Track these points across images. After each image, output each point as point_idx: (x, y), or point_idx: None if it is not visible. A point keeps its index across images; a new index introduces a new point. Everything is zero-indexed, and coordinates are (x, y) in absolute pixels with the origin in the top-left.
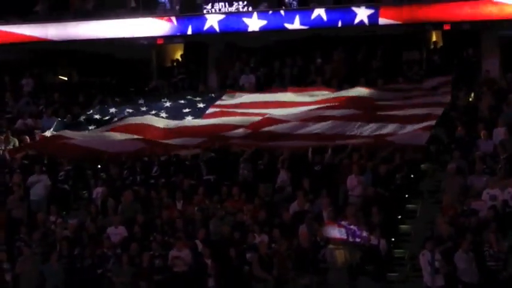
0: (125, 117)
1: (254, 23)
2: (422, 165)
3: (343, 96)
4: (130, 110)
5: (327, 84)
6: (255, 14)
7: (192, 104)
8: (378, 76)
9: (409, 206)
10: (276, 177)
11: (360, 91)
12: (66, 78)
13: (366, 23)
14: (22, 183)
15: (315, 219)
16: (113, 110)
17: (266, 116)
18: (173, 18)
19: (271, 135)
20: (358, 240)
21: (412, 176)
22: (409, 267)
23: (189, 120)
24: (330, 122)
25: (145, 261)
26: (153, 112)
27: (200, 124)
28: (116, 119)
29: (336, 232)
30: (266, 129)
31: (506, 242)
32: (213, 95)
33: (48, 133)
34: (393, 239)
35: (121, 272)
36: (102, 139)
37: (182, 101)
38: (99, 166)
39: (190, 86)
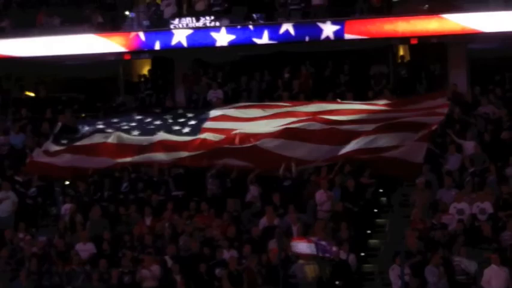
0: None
1: (222, 38)
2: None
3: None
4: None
5: (295, 99)
6: (223, 29)
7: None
8: (346, 90)
9: (378, 220)
10: (244, 192)
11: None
12: (33, 94)
13: (332, 38)
14: None
15: (284, 235)
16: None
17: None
18: (140, 34)
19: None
20: (327, 255)
21: (380, 190)
22: (379, 281)
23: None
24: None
25: (114, 277)
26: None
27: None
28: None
29: (305, 247)
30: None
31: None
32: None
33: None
34: (362, 254)
35: None
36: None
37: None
38: (67, 182)
39: (157, 101)
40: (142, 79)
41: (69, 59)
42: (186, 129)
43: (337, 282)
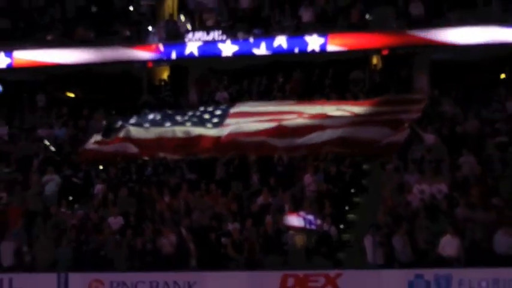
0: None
1: (227, 49)
2: (364, 166)
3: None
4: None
5: (287, 99)
6: (228, 41)
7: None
8: (330, 92)
9: (355, 199)
10: (245, 176)
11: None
12: (72, 95)
13: (317, 50)
14: (39, 181)
15: (278, 210)
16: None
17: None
18: (160, 45)
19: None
20: (313, 227)
21: (357, 174)
22: (355, 249)
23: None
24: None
25: (138, 244)
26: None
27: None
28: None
29: (295, 221)
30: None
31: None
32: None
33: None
34: (342, 226)
35: (119, 254)
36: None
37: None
38: (100, 167)
39: (174, 101)
40: (162, 83)
41: (102, 66)
42: (215, 120)
43: (321, 249)
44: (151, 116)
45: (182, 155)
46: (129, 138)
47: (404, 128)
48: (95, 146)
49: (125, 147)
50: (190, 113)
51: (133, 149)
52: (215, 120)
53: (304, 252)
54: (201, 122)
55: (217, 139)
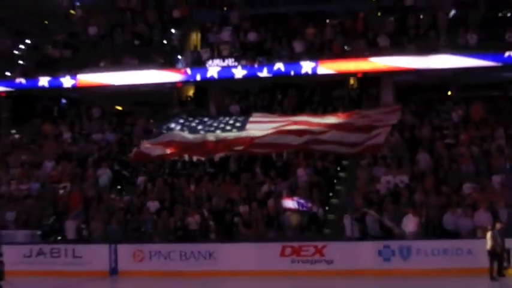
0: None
1: (239, 73)
2: (344, 162)
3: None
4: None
5: (285, 112)
6: (239, 67)
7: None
8: (317, 106)
9: (337, 187)
10: (252, 169)
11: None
12: (120, 108)
13: (310, 73)
14: (94, 174)
15: (277, 196)
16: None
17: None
18: (187, 70)
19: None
20: (305, 209)
21: (338, 168)
22: (337, 226)
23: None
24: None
25: (171, 223)
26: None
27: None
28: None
29: (290, 204)
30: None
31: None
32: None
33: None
34: (327, 208)
35: (156, 231)
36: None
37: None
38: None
39: (198, 112)
40: (188, 98)
41: (142, 85)
42: (238, 124)
43: (311, 226)
44: (187, 123)
45: (212, 155)
46: (172, 142)
47: (381, 133)
48: (145, 149)
49: (166, 149)
50: (216, 122)
51: (173, 150)
52: (238, 124)
53: (298, 228)
54: (226, 128)
55: (242, 139)
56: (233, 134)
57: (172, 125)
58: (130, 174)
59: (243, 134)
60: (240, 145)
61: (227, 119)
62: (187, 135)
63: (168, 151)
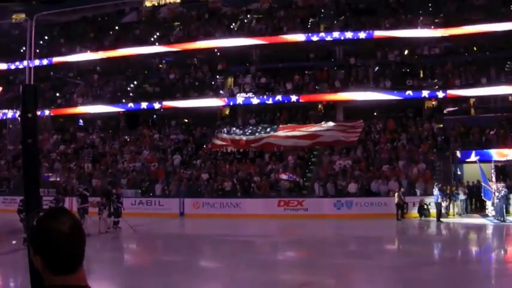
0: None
1: (255, 101)
2: (314, 152)
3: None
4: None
5: (281, 123)
6: (255, 98)
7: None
8: (300, 120)
9: (310, 167)
10: (262, 156)
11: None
12: (186, 120)
13: (295, 101)
14: (170, 158)
15: (277, 171)
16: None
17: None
18: (225, 99)
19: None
20: (292, 179)
21: (311, 156)
22: (310, 189)
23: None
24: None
25: (215, 186)
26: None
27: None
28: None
29: (284, 176)
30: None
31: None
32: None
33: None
34: (304, 179)
35: (207, 191)
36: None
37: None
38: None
39: (231, 124)
40: (226, 115)
41: (200, 108)
42: (268, 129)
43: (295, 189)
44: (233, 129)
45: (258, 149)
46: (229, 139)
47: (353, 136)
48: (215, 142)
49: (226, 144)
50: (253, 129)
51: (230, 145)
52: (268, 129)
53: (288, 190)
54: (262, 132)
55: (275, 138)
56: (254, 137)
57: (225, 131)
58: (190, 158)
59: (263, 135)
60: (265, 143)
61: (252, 128)
62: (233, 136)
63: (225, 144)
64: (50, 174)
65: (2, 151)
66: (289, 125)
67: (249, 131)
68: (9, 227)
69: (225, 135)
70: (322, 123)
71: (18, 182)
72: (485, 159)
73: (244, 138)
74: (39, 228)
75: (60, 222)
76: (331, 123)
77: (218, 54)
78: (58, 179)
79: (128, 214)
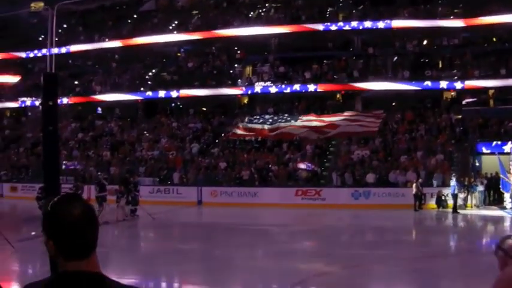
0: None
1: (273, 89)
2: (332, 141)
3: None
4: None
5: (299, 113)
6: (273, 87)
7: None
8: (317, 110)
9: (329, 156)
10: (280, 146)
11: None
12: (204, 109)
13: (313, 90)
14: (189, 146)
15: (295, 161)
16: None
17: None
18: (243, 87)
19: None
20: (310, 168)
21: (329, 146)
22: (328, 178)
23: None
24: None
25: (233, 174)
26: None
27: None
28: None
29: (302, 165)
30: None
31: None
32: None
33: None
34: (322, 168)
35: (224, 179)
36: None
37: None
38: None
39: (249, 112)
40: (244, 104)
41: (217, 96)
42: (290, 118)
43: (313, 179)
44: (255, 118)
45: (265, 137)
46: (248, 128)
47: (373, 127)
48: (236, 132)
49: (248, 134)
50: (274, 118)
51: (253, 135)
52: (289, 118)
53: (305, 179)
54: (282, 121)
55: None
56: (275, 126)
57: (246, 120)
58: (208, 146)
59: (284, 125)
60: (285, 132)
61: (273, 117)
62: (255, 126)
63: (246, 133)
64: (68, 162)
65: (21, 138)
66: (309, 115)
67: (270, 120)
68: (28, 214)
69: (248, 125)
70: (345, 112)
71: (37, 170)
72: (502, 152)
73: (266, 127)
74: (52, 213)
75: (72, 207)
76: (351, 113)
77: (236, 43)
78: (78, 166)
79: (145, 202)
